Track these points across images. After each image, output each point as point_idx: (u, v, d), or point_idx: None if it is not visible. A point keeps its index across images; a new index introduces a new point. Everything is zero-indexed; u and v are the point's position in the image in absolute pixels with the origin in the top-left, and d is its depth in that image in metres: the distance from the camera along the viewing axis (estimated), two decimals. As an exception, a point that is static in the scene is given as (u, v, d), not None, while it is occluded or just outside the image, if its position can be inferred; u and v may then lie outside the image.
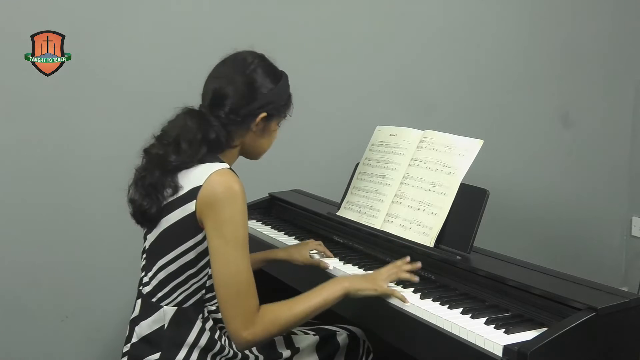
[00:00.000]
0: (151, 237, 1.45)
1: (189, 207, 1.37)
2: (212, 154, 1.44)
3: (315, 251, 1.83)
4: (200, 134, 1.41)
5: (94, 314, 2.41)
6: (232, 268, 1.34)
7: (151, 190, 1.41)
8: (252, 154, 1.56)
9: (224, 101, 1.44)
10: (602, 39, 3.31)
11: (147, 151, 1.47)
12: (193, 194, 1.37)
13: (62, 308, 2.38)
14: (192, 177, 1.39)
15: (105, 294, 2.39)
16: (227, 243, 1.33)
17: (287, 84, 1.54)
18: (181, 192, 1.39)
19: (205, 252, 1.41)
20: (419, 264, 1.61)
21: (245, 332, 1.34)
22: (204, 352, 1.44)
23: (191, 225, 1.38)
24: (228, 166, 1.43)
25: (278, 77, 1.51)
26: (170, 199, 1.40)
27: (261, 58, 1.51)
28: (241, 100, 1.44)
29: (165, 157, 1.41)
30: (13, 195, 2.27)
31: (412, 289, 1.56)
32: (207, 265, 1.42)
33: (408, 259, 1.62)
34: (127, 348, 1.50)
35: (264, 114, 1.46)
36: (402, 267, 1.59)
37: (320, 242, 1.86)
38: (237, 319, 1.34)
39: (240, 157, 1.64)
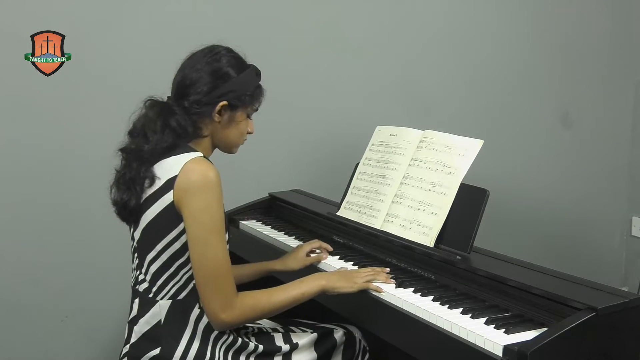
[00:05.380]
0: (137, 234, 1.48)
1: (167, 198, 1.40)
2: (183, 144, 1.47)
3: (318, 250, 1.84)
4: (160, 121, 1.46)
5: (94, 314, 2.41)
6: (210, 253, 1.38)
7: (131, 183, 1.44)
8: (223, 146, 1.58)
9: (186, 90, 1.48)
10: (602, 38, 3.31)
11: (123, 149, 1.50)
12: (169, 184, 1.40)
13: (62, 308, 2.37)
14: (167, 168, 1.42)
15: (105, 294, 2.39)
16: (205, 230, 1.38)
17: (254, 75, 1.55)
18: (158, 184, 1.42)
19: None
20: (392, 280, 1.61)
21: (223, 314, 1.40)
22: (204, 339, 1.46)
23: (172, 216, 1.41)
24: (202, 154, 1.45)
25: (241, 67, 1.53)
26: (149, 193, 1.43)
27: (227, 50, 1.54)
28: (202, 89, 1.47)
29: (139, 149, 1.45)
30: (13, 195, 2.26)
31: (412, 288, 1.56)
32: None
33: (387, 269, 1.65)
34: (126, 349, 1.50)
35: (223, 103, 1.49)
36: (381, 272, 1.62)
37: (315, 240, 1.87)
38: (216, 301, 1.39)
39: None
